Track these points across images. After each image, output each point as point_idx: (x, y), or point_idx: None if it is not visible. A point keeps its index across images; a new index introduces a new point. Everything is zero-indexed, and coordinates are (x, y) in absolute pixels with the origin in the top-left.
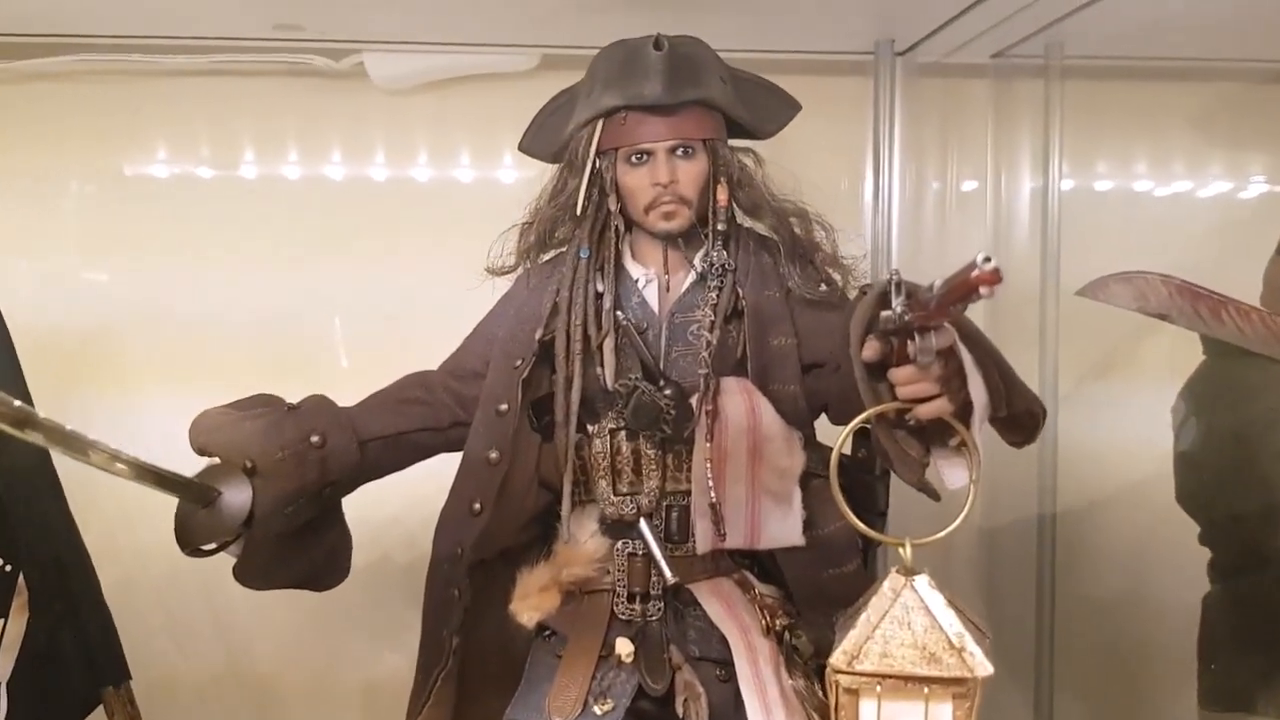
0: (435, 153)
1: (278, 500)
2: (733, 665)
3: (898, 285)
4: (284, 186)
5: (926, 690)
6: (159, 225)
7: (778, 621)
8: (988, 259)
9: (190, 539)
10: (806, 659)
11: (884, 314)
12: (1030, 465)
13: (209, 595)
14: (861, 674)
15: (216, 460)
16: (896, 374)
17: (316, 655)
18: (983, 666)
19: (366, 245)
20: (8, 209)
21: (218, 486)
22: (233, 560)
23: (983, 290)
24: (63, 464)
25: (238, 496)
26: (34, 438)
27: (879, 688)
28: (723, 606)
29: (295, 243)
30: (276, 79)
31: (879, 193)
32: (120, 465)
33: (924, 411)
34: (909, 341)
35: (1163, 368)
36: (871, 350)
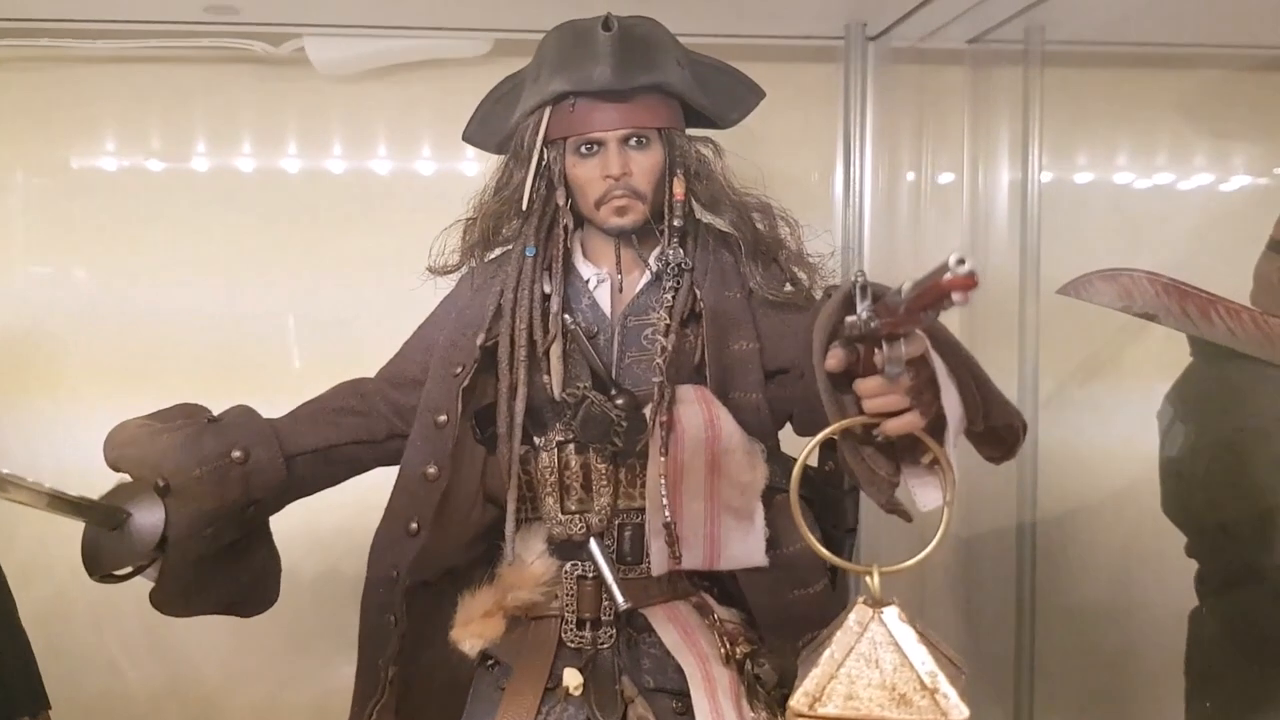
0: (390, 143)
1: (194, 521)
2: (690, 697)
3: (863, 288)
4: (232, 179)
5: None
6: (104, 219)
7: (738, 649)
8: (961, 261)
9: (99, 564)
10: (769, 689)
11: (849, 320)
12: (1009, 471)
13: (146, 611)
14: (825, 718)
15: (128, 478)
16: (862, 386)
17: (263, 673)
18: (958, 709)
19: (319, 240)
20: None
21: (127, 507)
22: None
23: (955, 297)
24: None
25: (149, 518)
26: None
27: None
28: (679, 633)
29: (245, 237)
30: (222, 66)
31: (850, 186)
32: (12, 489)
33: (892, 427)
34: (876, 350)
35: (1149, 369)
36: (835, 360)
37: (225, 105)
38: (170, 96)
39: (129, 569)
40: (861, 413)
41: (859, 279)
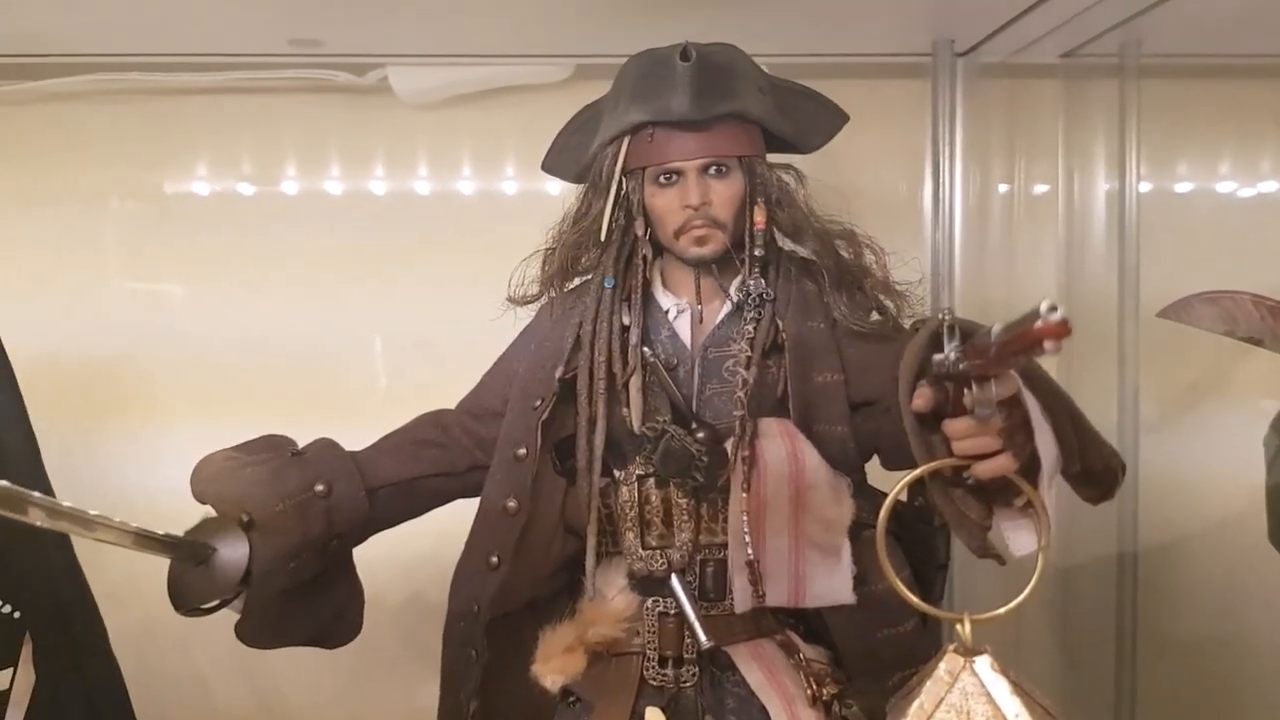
0: (474, 168)
1: (278, 556)
2: None
3: (950, 328)
4: (320, 203)
5: None
6: (196, 244)
7: (825, 690)
8: (1053, 308)
9: (185, 599)
10: None
11: (936, 358)
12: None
13: (235, 636)
14: None
15: (213, 512)
16: (952, 427)
17: (348, 697)
18: None
19: (405, 264)
20: (45, 231)
21: (212, 543)
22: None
23: (1047, 345)
24: (71, 494)
25: (234, 553)
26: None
27: None
28: (764, 673)
29: (333, 261)
30: (309, 95)
31: (939, 203)
32: (100, 529)
33: (984, 470)
34: (966, 390)
35: (1255, 392)
36: (923, 399)
37: (312, 132)
38: (259, 124)
39: (214, 603)
40: (951, 454)
41: (946, 318)
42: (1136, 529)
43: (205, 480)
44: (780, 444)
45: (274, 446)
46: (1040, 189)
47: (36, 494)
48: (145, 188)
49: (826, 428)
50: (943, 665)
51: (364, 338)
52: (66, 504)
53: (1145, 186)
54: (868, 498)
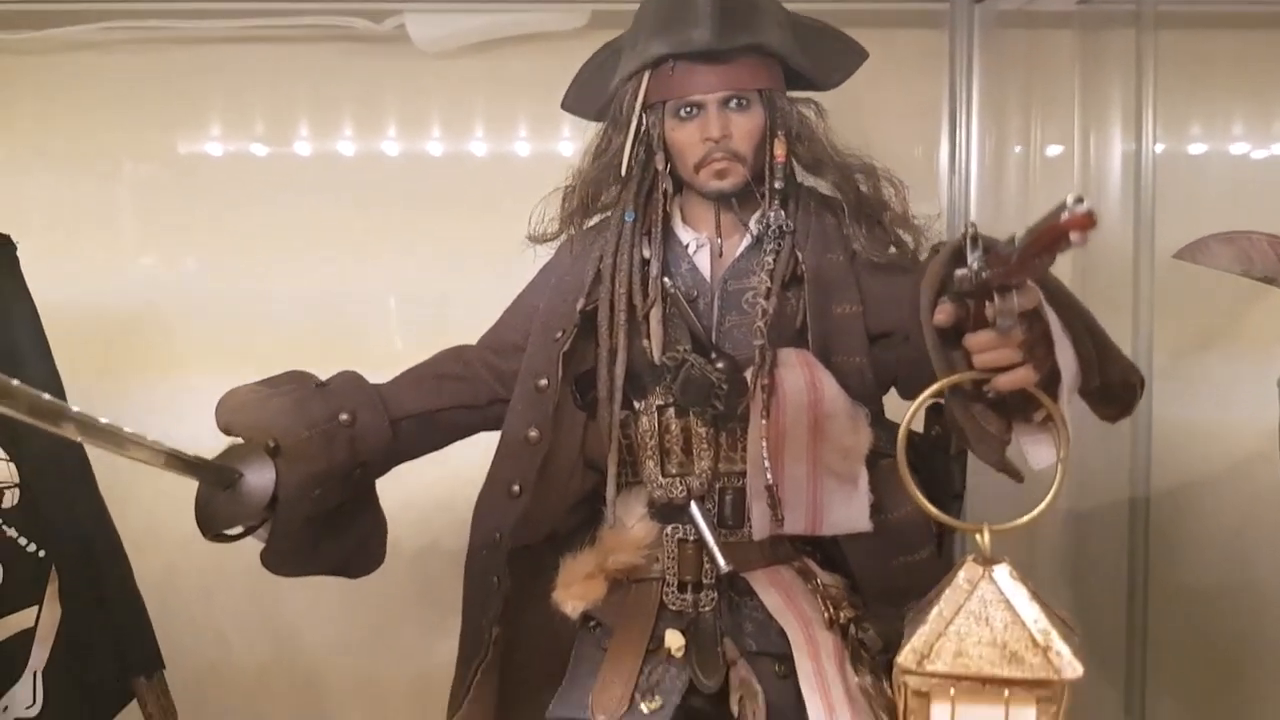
0: (491, 121)
1: (303, 482)
2: (793, 660)
3: (974, 239)
4: (333, 159)
5: (1007, 693)
6: (207, 204)
7: (842, 613)
8: (1079, 200)
9: (211, 523)
10: (874, 654)
11: (958, 273)
12: (1122, 444)
13: (254, 584)
14: (933, 675)
15: (240, 440)
16: (973, 340)
17: (366, 645)
18: (1071, 667)
19: (421, 223)
20: (59, 188)
21: (239, 468)
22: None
23: (1074, 237)
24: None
25: (260, 478)
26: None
27: (953, 690)
28: (782, 597)
29: (349, 222)
30: (323, 46)
31: (955, 158)
32: (132, 447)
33: (1004, 382)
34: (987, 303)
35: (1268, 342)
36: (945, 314)
37: (328, 85)
38: (274, 78)
39: (240, 529)
40: (971, 369)
41: (970, 230)
42: (1149, 477)
43: (231, 410)
44: (799, 373)
45: (298, 379)
46: (1055, 150)
47: (73, 408)
48: (159, 145)
49: (844, 358)
50: (962, 574)
51: (379, 295)
52: (102, 420)
53: (1160, 147)
54: (885, 428)
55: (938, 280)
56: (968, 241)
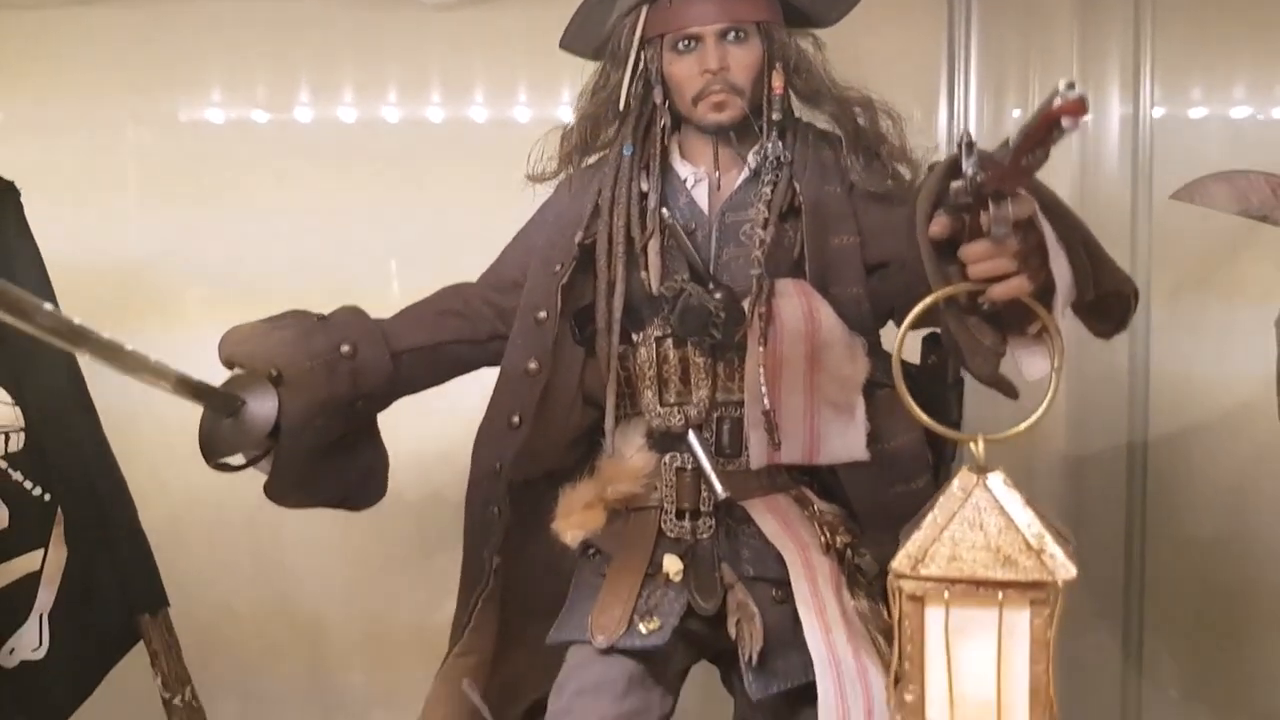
0: (491, 83)
1: (306, 411)
2: (790, 585)
3: (969, 146)
4: (334, 122)
5: (1001, 596)
6: (208, 166)
7: (838, 539)
8: (1070, 85)
9: (215, 450)
10: (870, 579)
11: (954, 185)
12: (1120, 394)
13: (257, 535)
14: (927, 579)
15: (242, 371)
16: (968, 250)
17: (368, 595)
18: (1064, 569)
19: (420, 182)
20: (61, 151)
21: (242, 396)
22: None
23: (1065, 123)
24: (99, 394)
25: (263, 407)
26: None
27: (947, 594)
28: (779, 523)
29: (349, 184)
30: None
31: (954, 121)
32: (143, 369)
33: (999, 292)
34: (982, 213)
35: (1265, 294)
36: (940, 226)
37: (329, 44)
38: (275, 35)
39: (243, 460)
40: (967, 280)
41: (964, 138)
42: (1147, 427)
43: (234, 343)
44: (797, 303)
45: (299, 315)
46: None
47: (92, 330)
48: (160, 103)
49: (842, 289)
50: (956, 482)
51: (380, 257)
52: (119, 341)
53: (1159, 110)
54: (882, 358)
55: (933, 194)
56: (962, 149)
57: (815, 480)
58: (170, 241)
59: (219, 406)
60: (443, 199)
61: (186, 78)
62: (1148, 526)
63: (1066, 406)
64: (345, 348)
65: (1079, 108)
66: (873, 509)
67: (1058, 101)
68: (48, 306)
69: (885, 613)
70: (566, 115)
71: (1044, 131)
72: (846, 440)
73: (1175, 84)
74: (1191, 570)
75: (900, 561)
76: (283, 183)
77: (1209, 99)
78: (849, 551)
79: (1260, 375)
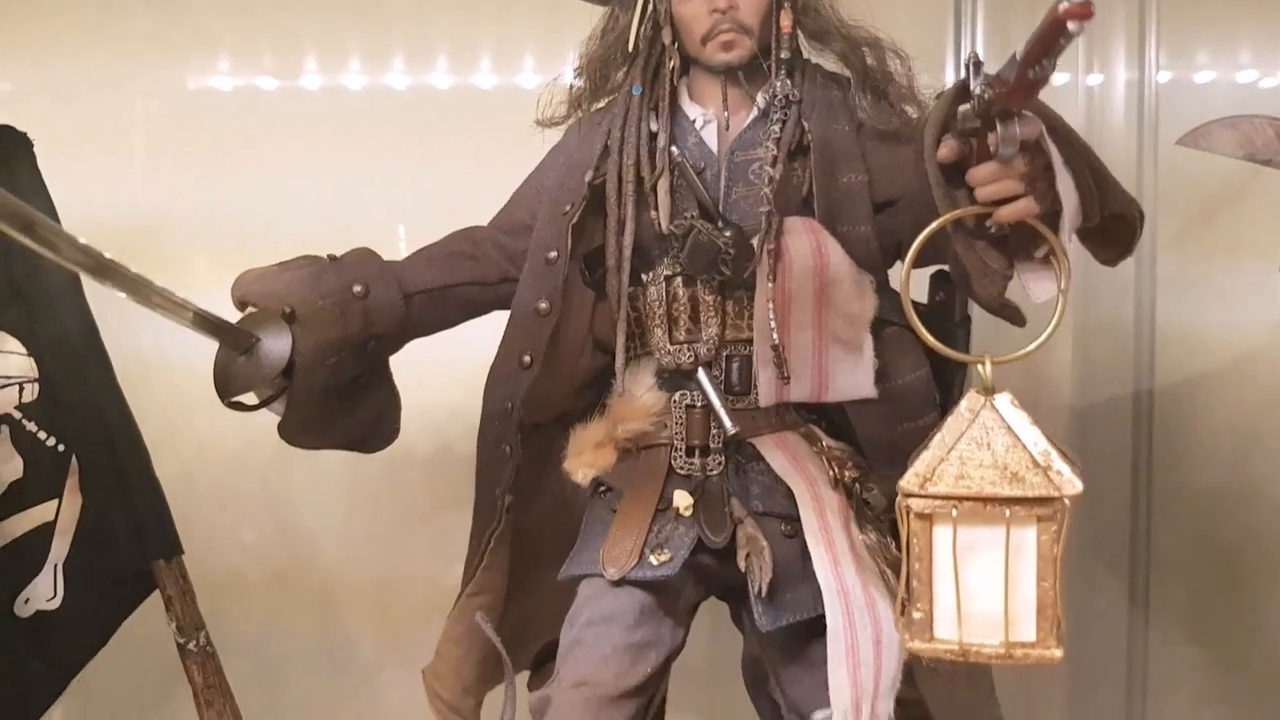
0: (498, 49)
1: (318, 349)
2: (798, 520)
3: (975, 65)
4: (340, 90)
5: (1008, 513)
6: (215, 134)
7: (846, 474)
8: None
9: (229, 388)
10: (878, 513)
11: (962, 109)
12: (1126, 343)
13: (270, 491)
14: (935, 497)
15: (255, 310)
16: (976, 173)
17: (379, 550)
18: (1071, 484)
19: (427, 152)
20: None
21: (256, 333)
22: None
23: (1071, 26)
24: (113, 344)
25: (277, 344)
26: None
27: (955, 512)
28: (787, 459)
29: (357, 146)
30: None
31: (961, 69)
32: (161, 301)
33: (1006, 214)
34: (989, 134)
35: (1270, 244)
36: (949, 149)
37: (334, 7)
38: (281, 2)
39: (257, 401)
40: (974, 204)
41: (972, 58)
42: (1153, 378)
43: (246, 284)
44: (805, 240)
45: (311, 257)
46: (1060, 79)
47: (119, 263)
48: (167, 77)
49: (850, 228)
50: (964, 403)
51: (386, 224)
52: (145, 276)
53: (1165, 76)
54: (890, 296)
55: (941, 118)
56: (970, 69)
57: (823, 419)
58: (178, 208)
59: (234, 343)
60: (449, 165)
61: (194, 46)
62: (1153, 477)
63: (1072, 359)
64: (357, 288)
65: (1084, 10)
66: (881, 446)
67: (1063, 6)
68: (79, 239)
69: (893, 546)
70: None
71: (1051, 38)
72: (855, 378)
73: (1180, 48)
74: (1197, 520)
75: (908, 480)
76: (290, 150)
77: (1214, 63)
78: (857, 486)
79: (1265, 327)
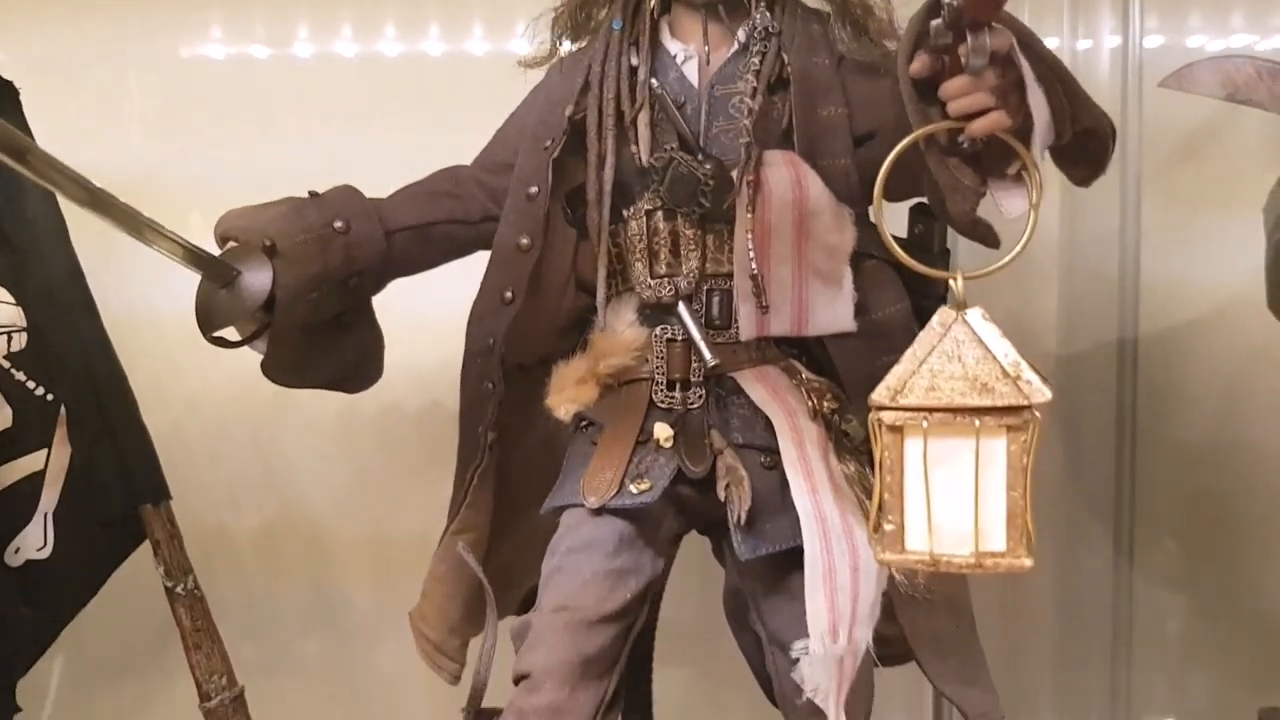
0: (490, 16)
1: (300, 284)
2: (778, 453)
3: None
4: (337, 56)
5: (978, 424)
6: (207, 105)
7: (825, 404)
8: None
9: (211, 322)
10: (857, 444)
11: (934, 23)
12: (1110, 300)
13: (260, 446)
14: (905, 408)
15: (236, 244)
16: (948, 87)
17: (369, 502)
18: (1040, 393)
19: (421, 116)
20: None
21: (238, 266)
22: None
23: None
24: (100, 299)
25: (258, 278)
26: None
27: (925, 424)
28: (767, 390)
29: (349, 114)
30: None
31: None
32: (154, 237)
33: (979, 127)
34: (960, 47)
35: (1254, 193)
36: (921, 64)
37: None
38: None
39: (239, 337)
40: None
41: None
42: (1137, 333)
43: (228, 221)
44: (785, 172)
45: (293, 197)
46: (1047, 44)
47: (110, 194)
48: (160, 46)
49: (830, 161)
50: (935, 319)
51: (379, 191)
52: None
53: (1153, 41)
54: (869, 230)
55: (914, 34)
56: None
57: (803, 354)
58: (172, 177)
59: (216, 275)
60: (442, 131)
61: (188, 14)
62: (1138, 428)
63: (1057, 311)
64: (339, 223)
65: None
66: (860, 380)
67: None
68: (69, 167)
69: (871, 477)
70: (564, 48)
71: None
72: (834, 311)
73: (1168, 12)
74: (1182, 471)
75: (879, 393)
76: (283, 118)
77: (1204, 27)
78: (836, 417)
79: (1251, 276)
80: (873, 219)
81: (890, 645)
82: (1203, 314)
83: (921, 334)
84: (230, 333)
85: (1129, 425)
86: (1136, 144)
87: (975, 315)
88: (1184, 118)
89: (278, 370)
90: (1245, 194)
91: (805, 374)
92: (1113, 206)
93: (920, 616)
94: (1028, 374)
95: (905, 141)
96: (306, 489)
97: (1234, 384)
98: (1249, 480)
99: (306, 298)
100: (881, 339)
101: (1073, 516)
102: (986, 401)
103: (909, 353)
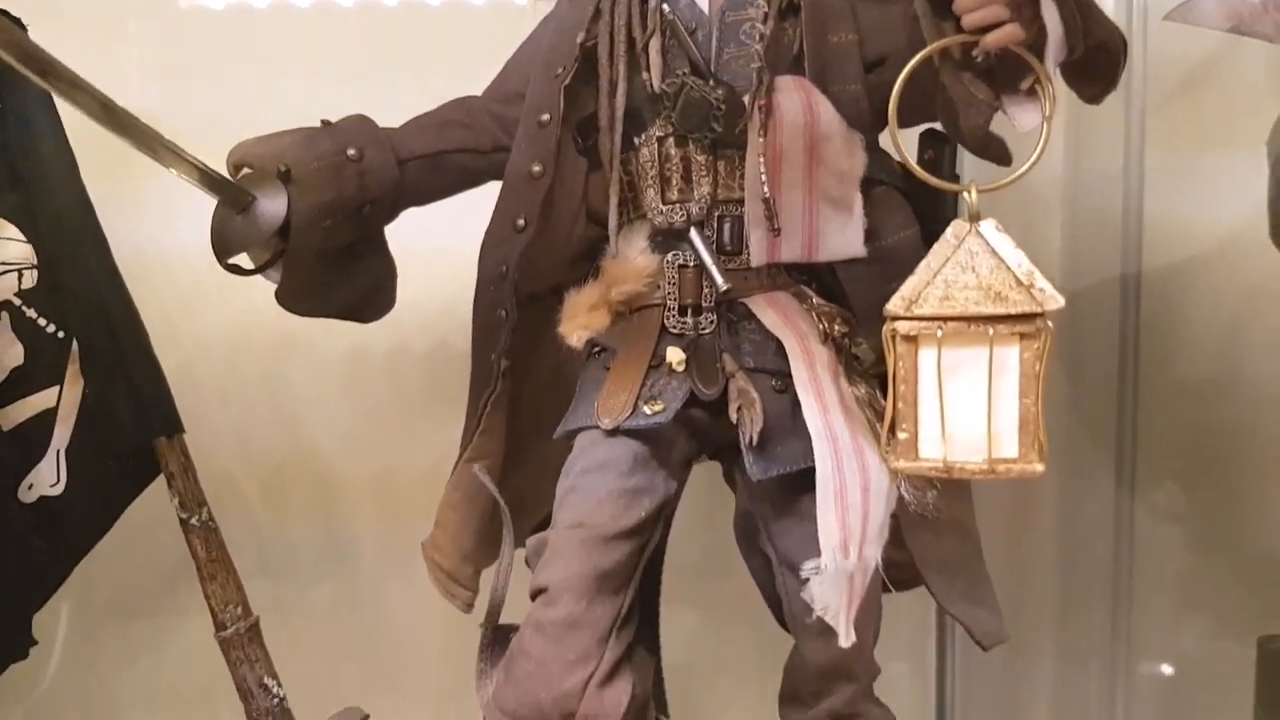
0: None
1: (314, 210)
2: (789, 376)
3: None
4: (336, 5)
5: (991, 332)
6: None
7: (835, 328)
8: None
9: (225, 247)
10: (867, 367)
11: None
12: (1115, 233)
13: (270, 387)
14: (920, 318)
15: (251, 171)
16: (963, 0)
17: (378, 442)
18: (1053, 300)
19: (421, 66)
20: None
21: (253, 192)
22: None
23: None
24: (111, 239)
25: (273, 204)
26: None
27: (939, 333)
28: (778, 315)
29: (349, 66)
30: None
31: None
32: (171, 159)
33: (992, 40)
34: None
35: (1258, 130)
36: None
37: None
38: None
39: (254, 265)
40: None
41: None
42: (1141, 268)
43: (243, 149)
44: (796, 97)
45: (306, 126)
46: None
47: (127, 111)
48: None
49: (841, 87)
50: (949, 231)
51: None
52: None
53: None
54: (879, 156)
55: None
56: None
57: (814, 281)
58: (169, 124)
59: (231, 199)
60: (444, 80)
61: None
62: (1141, 367)
63: (1060, 250)
64: (352, 151)
65: None
66: (870, 306)
67: None
68: (91, 84)
69: (881, 399)
70: None
71: None
72: (845, 237)
73: None
74: (1184, 411)
75: (894, 304)
76: (284, 68)
77: None
78: (846, 341)
79: (1254, 213)
80: (884, 144)
81: (899, 570)
82: (1206, 249)
83: (935, 246)
84: (244, 259)
85: (1131, 362)
86: (1141, 79)
87: (989, 226)
88: (1187, 52)
89: (292, 298)
90: (1249, 128)
91: (815, 299)
92: (1117, 142)
93: (928, 539)
94: (1041, 282)
95: (920, 55)
96: (315, 430)
97: (1237, 320)
98: (1251, 417)
99: (321, 225)
100: (891, 265)
101: (1074, 452)
102: (1000, 310)
103: (923, 264)
